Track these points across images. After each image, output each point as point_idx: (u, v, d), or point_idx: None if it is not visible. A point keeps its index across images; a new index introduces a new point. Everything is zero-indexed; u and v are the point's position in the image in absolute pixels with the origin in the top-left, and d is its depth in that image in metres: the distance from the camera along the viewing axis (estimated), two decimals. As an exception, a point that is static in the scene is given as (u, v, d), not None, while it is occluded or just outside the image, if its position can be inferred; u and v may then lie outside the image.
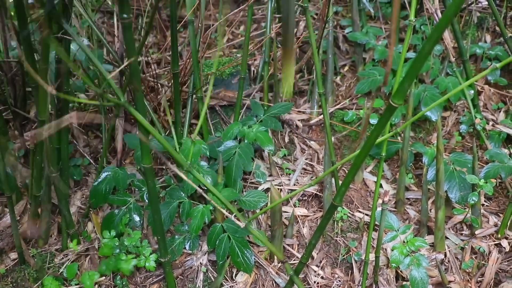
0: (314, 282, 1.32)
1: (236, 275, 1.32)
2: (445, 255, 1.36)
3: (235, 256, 1.25)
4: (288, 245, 1.39)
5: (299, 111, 1.71)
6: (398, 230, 1.30)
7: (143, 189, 1.38)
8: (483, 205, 1.51)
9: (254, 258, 1.32)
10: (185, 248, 1.34)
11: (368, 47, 1.80)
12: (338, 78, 1.85)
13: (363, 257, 1.34)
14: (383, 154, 1.18)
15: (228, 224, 1.29)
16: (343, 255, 1.37)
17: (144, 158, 1.04)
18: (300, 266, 1.13)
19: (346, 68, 1.89)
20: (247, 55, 1.47)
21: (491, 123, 1.70)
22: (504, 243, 1.39)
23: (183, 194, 1.36)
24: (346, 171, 1.58)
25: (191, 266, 1.34)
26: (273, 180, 1.53)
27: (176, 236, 1.34)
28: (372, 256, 1.28)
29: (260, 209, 1.36)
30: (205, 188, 1.31)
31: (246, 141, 1.44)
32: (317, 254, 1.37)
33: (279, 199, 1.30)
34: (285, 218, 1.43)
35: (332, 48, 1.75)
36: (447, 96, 0.97)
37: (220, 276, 1.26)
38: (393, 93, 0.80)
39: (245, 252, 1.25)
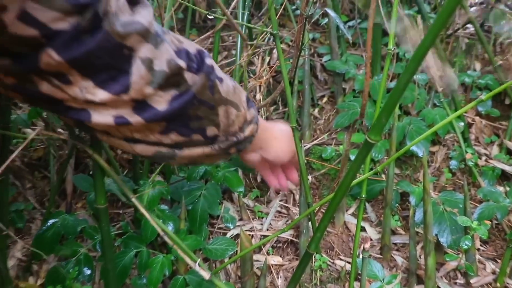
0: None
1: (201, 334, 1.28)
2: (437, 307, 1.35)
3: (199, 313, 1.22)
4: (260, 299, 1.36)
5: (273, 147, 1.70)
6: (383, 280, 1.28)
7: (96, 237, 1.34)
8: (478, 249, 1.51)
9: (222, 315, 1.29)
10: (142, 304, 1.29)
11: (348, 77, 1.82)
12: (316, 110, 1.86)
13: (345, 311, 1.31)
14: (363, 196, 1.18)
15: (191, 276, 1.26)
16: (323, 309, 1.35)
17: (98, 197, 1.01)
18: (273, 324, 1.10)
19: (325, 99, 1.90)
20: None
21: (484, 158, 1.71)
22: (503, 292, 1.38)
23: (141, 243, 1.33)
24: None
25: (149, 326, 1.30)
26: (244, 225, 1.51)
27: (133, 291, 1.30)
28: (355, 310, 1.26)
29: (229, 258, 1.33)
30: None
31: (213, 181, 1.42)
32: (293, 308, 1.34)
33: (249, 246, 1.28)
34: (257, 267, 1.40)
35: (309, 77, 1.76)
36: (433, 129, 0.97)
37: (182, 336, 1.22)
38: (370, 128, 0.80)
39: (211, 308, 1.22)
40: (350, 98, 1.78)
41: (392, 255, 1.48)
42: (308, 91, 1.75)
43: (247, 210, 1.55)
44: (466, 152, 1.65)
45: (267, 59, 1.84)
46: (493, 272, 1.43)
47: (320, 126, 1.82)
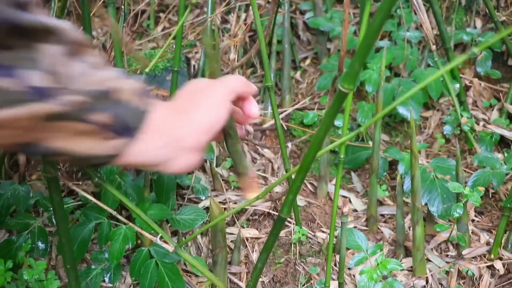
0: (266, 318, 1.33)
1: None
2: (427, 281, 1.39)
3: (165, 287, 1.25)
4: (233, 273, 1.39)
5: (250, 113, 1.73)
6: (367, 251, 1.32)
7: (51, 209, 1.37)
8: (473, 221, 1.55)
9: (191, 291, 1.33)
10: (104, 280, 1.33)
11: (332, 35, 1.84)
12: (298, 73, 1.89)
13: (326, 286, 1.35)
14: (342, 156, 1.21)
15: (156, 248, 1.29)
16: (303, 284, 1.39)
17: (47, 166, 1.04)
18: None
19: (308, 61, 1.93)
20: (180, 43, 1.49)
21: (481, 123, 1.75)
22: (498, 264, 1.42)
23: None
24: (314, 184, 1.60)
25: (112, 304, 1.34)
26: (217, 195, 1.54)
27: (93, 266, 1.33)
28: (335, 284, 1.30)
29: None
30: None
31: (181, 148, 1.45)
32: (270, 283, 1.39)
33: (220, 215, 1.31)
34: (231, 241, 1.44)
35: (289, 36, 1.79)
36: (420, 87, 1.00)
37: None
38: (342, 76, 0.82)
39: (178, 282, 1.25)
40: (335, 59, 1.80)
41: (379, 227, 1.52)
42: (288, 52, 1.78)
43: (221, 180, 1.58)
44: (462, 116, 1.68)
45: (243, 16, 1.86)
46: (487, 243, 1.47)
47: (302, 90, 1.85)
